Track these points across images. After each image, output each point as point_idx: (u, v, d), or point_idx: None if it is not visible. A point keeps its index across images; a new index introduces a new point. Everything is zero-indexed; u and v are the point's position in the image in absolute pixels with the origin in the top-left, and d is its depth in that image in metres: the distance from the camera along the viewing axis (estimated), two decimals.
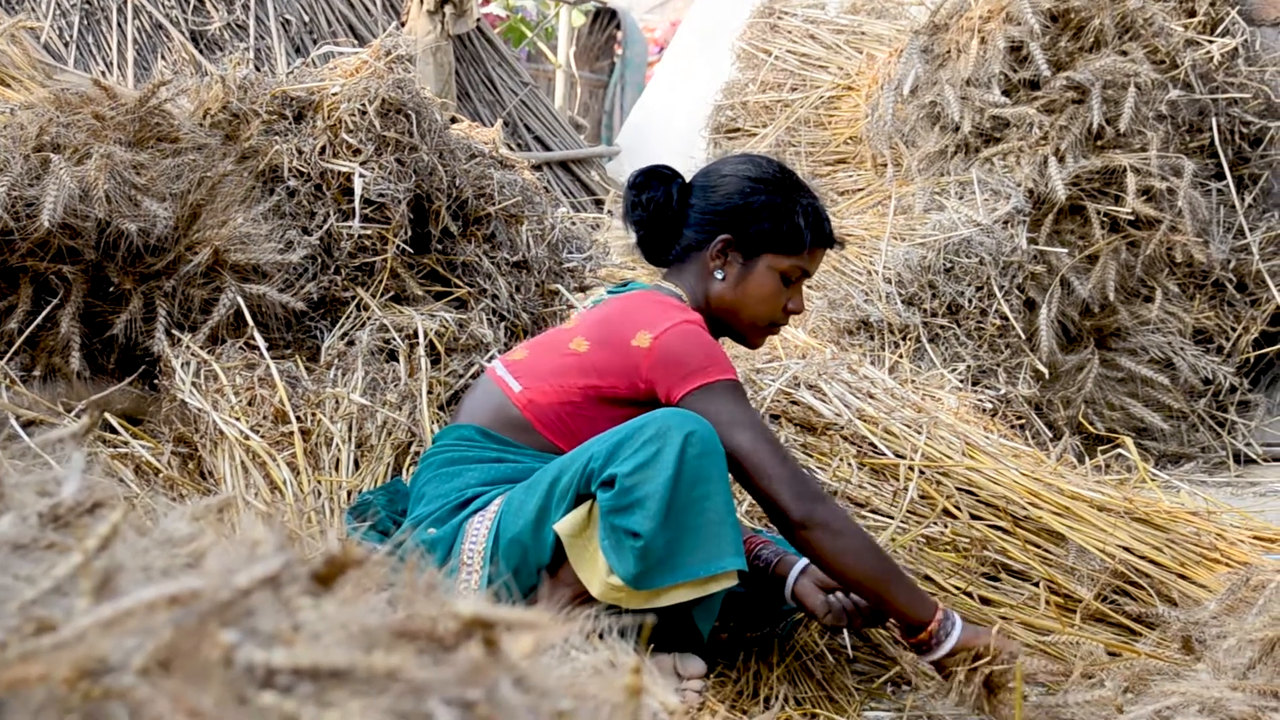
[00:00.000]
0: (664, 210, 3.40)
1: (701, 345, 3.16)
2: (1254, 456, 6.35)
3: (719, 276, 3.36)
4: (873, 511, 3.88)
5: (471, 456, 3.24)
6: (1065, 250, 5.96)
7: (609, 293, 3.52)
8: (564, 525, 2.96)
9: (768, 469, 3.04)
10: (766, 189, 3.37)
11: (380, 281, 4.24)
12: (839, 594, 3.26)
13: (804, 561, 3.32)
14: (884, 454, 4.02)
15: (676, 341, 3.15)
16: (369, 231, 4.22)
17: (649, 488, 2.87)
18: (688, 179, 3.47)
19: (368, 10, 7.79)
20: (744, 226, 3.34)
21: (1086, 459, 4.69)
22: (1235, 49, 6.62)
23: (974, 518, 3.91)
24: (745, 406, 3.11)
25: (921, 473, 3.99)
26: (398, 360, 4.00)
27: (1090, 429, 5.76)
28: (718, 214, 3.36)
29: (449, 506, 3.16)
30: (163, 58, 6.30)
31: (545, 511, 3.00)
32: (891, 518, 3.89)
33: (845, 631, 3.53)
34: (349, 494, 3.60)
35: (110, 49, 6.52)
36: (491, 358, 3.95)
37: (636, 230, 3.47)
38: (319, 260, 4.17)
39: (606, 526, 2.90)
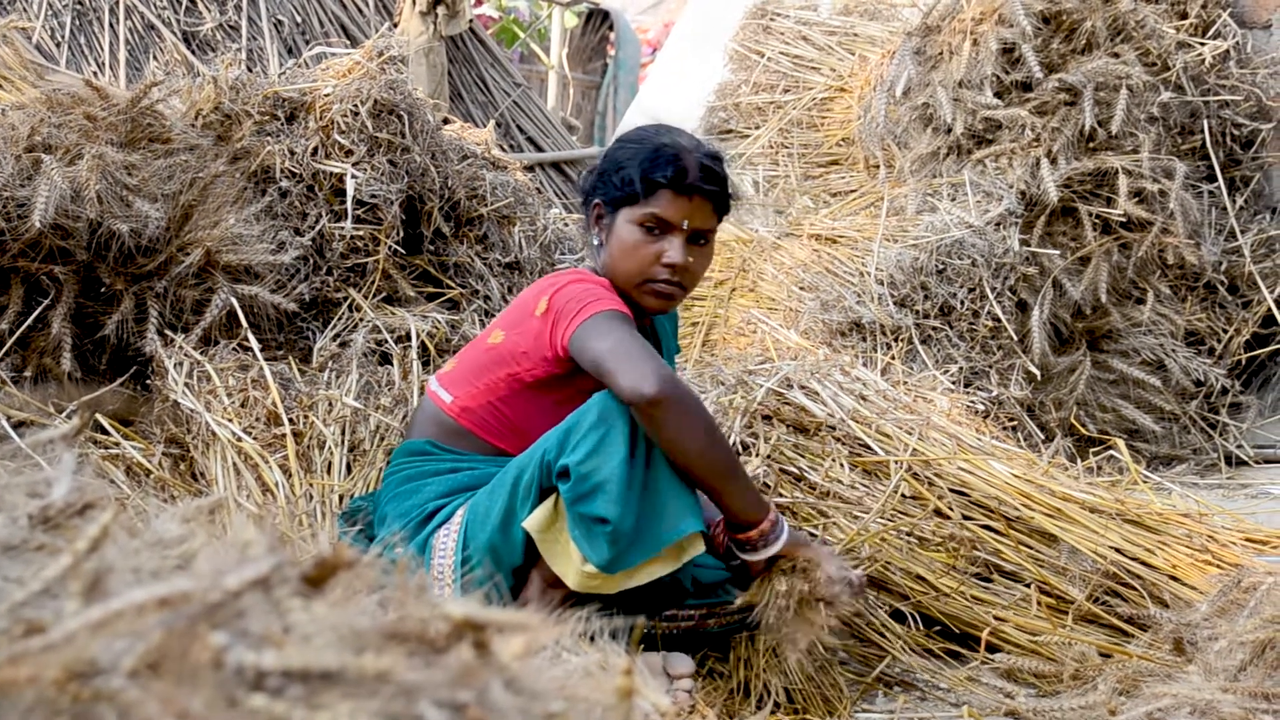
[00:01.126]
0: (583, 194, 3.47)
1: (583, 290, 3.16)
2: (1245, 458, 6.35)
3: (596, 243, 3.38)
4: (864, 512, 3.88)
5: (428, 470, 3.26)
6: (1057, 252, 5.96)
7: None
8: (532, 522, 2.98)
9: (618, 360, 2.98)
10: (620, 147, 3.38)
11: (372, 282, 4.24)
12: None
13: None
14: (877, 454, 4.02)
15: (564, 294, 3.17)
16: (361, 232, 4.22)
17: (605, 472, 2.89)
18: None
19: (360, 11, 7.78)
20: (602, 188, 3.36)
21: (1078, 460, 4.68)
22: (1227, 51, 6.62)
23: (966, 518, 3.91)
24: (615, 323, 3.08)
25: (914, 473, 3.99)
26: (391, 362, 4.00)
27: (1082, 431, 5.76)
28: (592, 183, 3.40)
29: (413, 524, 3.18)
30: (155, 58, 6.29)
31: (511, 512, 3.02)
32: (883, 518, 3.89)
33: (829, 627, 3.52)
34: (341, 498, 3.60)
35: (102, 49, 6.51)
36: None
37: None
38: (311, 261, 4.17)
39: (574, 516, 2.92)
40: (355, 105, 4.26)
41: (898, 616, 3.73)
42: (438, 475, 3.25)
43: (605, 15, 15.37)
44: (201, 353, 3.79)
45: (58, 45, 6.39)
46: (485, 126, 5.34)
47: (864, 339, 5.37)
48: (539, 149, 8.58)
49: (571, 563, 2.95)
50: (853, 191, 6.60)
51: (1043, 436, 5.48)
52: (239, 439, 3.62)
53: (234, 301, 3.85)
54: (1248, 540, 4.02)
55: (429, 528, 3.16)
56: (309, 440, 3.70)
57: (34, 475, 1.35)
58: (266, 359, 3.82)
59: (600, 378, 3.02)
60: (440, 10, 7.87)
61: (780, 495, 3.95)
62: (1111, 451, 4.71)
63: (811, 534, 3.53)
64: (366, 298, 4.20)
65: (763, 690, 3.36)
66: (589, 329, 3.07)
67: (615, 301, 3.15)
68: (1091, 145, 6.05)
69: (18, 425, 3.59)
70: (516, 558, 3.03)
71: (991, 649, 3.66)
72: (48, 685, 1.02)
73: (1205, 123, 6.57)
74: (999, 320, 5.57)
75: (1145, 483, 4.42)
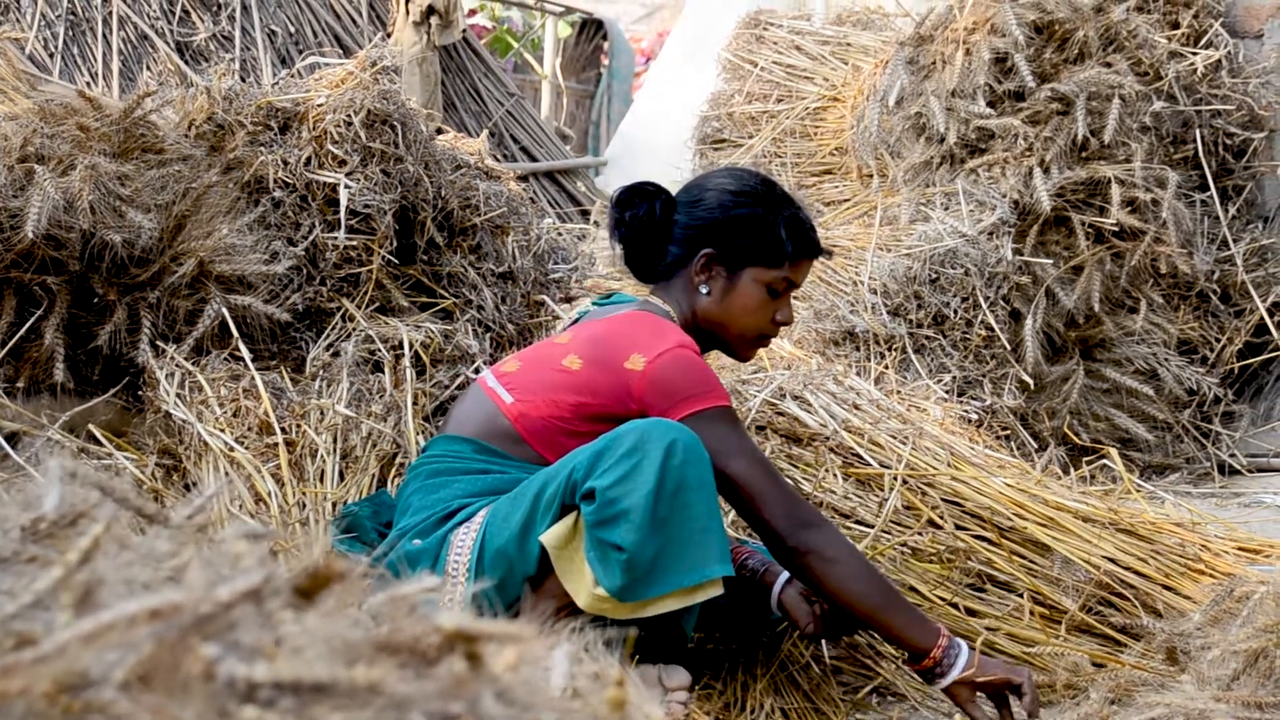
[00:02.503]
0: (648, 226, 3.39)
1: (695, 370, 3.16)
2: (1238, 467, 6.35)
3: (704, 291, 3.35)
4: (857, 522, 3.88)
5: (459, 468, 3.24)
6: (1050, 261, 5.97)
7: (594, 304, 3.52)
8: (550, 537, 2.96)
9: (762, 495, 3.05)
10: (748, 202, 3.36)
11: (365, 292, 4.23)
12: (823, 604, 3.27)
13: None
14: (869, 464, 4.02)
15: (670, 367, 3.15)
16: (354, 242, 4.22)
17: (631, 500, 2.86)
18: (674, 194, 3.47)
19: (353, 21, 7.79)
20: (726, 240, 3.33)
21: (1072, 470, 4.69)
22: (1219, 61, 6.63)
23: (959, 528, 3.92)
24: (740, 432, 3.13)
25: (906, 483, 3.99)
26: (383, 371, 4.00)
27: (1075, 440, 5.77)
28: (700, 228, 3.36)
29: (434, 518, 3.16)
30: (148, 69, 6.29)
31: (531, 523, 3.00)
32: (875, 528, 3.89)
33: (825, 641, 3.53)
34: (334, 506, 3.60)
35: (95, 60, 6.51)
36: (478, 369, 3.94)
37: (623, 247, 3.47)
38: (304, 271, 4.17)
39: (592, 539, 2.90)
40: (348, 115, 4.25)
41: None
42: (468, 474, 3.22)
43: (599, 25, 15.39)
44: (193, 363, 3.79)
45: (51, 56, 6.40)
46: (479, 136, 5.33)
47: (857, 348, 5.38)
48: (533, 159, 8.59)
49: (584, 583, 2.94)
50: (846, 201, 6.61)
51: (1036, 446, 5.49)
52: (231, 449, 3.62)
53: (226, 312, 3.85)
54: (1241, 549, 4.03)
55: (449, 524, 3.14)
56: (301, 449, 3.70)
57: (27, 486, 1.35)
58: (259, 369, 3.82)
59: (729, 494, 3.10)
60: (433, 20, 7.88)
61: None
62: (1105, 460, 4.71)
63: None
64: (360, 308, 4.19)
65: (757, 704, 3.36)
66: (714, 431, 3.08)
67: (723, 391, 3.20)
68: (1084, 154, 6.07)
69: (10, 437, 3.59)
70: (530, 568, 3.02)
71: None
72: (39, 697, 1.01)
73: (1197, 132, 6.58)
74: (992, 329, 5.57)
75: (1138, 492, 4.43)
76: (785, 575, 3.31)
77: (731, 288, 3.34)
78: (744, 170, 3.58)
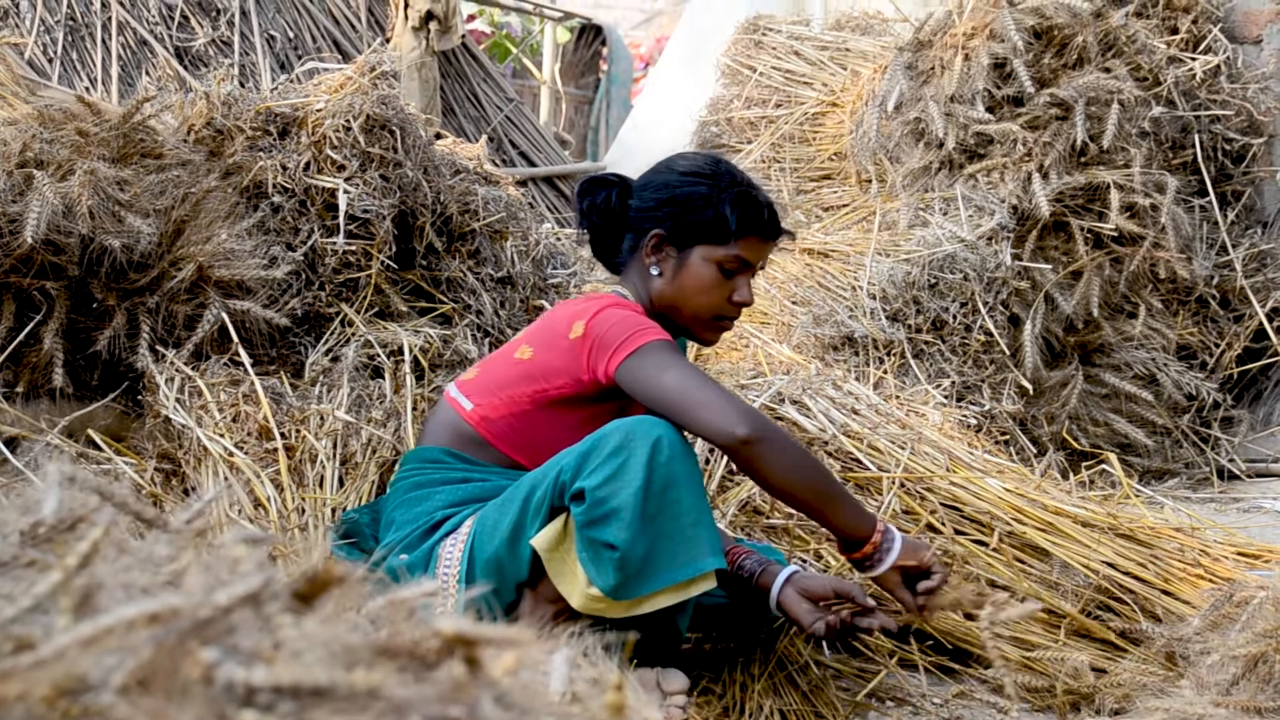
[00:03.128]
0: (606, 215, 3.41)
1: (628, 318, 3.16)
2: (1237, 472, 6.35)
3: (655, 273, 3.35)
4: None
5: (438, 479, 3.25)
6: (1049, 266, 5.96)
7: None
8: (541, 540, 2.97)
9: (696, 398, 3.01)
10: (693, 180, 3.35)
11: (365, 297, 4.24)
12: (824, 605, 3.27)
13: (788, 571, 3.33)
14: (869, 469, 4.02)
15: (603, 321, 3.16)
16: (353, 247, 4.22)
17: (620, 499, 2.87)
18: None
19: (352, 26, 7.79)
20: (673, 220, 3.33)
21: (1071, 475, 4.69)
22: (1218, 66, 6.64)
23: (958, 533, 3.92)
24: (674, 357, 3.10)
25: (905, 488, 3.99)
26: (382, 377, 4.00)
27: (1074, 445, 5.77)
28: (650, 210, 3.36)
29: (419, 531, 3.17)
30: (147, 74, 6.29)
31: (520, 527, 3.01)
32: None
33: (825, 642, 3.53)
34: (333, 511, 3.59)
35: (95, 65, 6.51)
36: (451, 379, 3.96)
37: (589, 237, 3.49)
38: (303, 276, 4.17)
39: (583, 539, 2.91)
40: (347, 120, 4.26)
41: (891, 632, 3.73)
42: (448, 484, 3.23)
43: (598, 30, 15.39)
44: (193, 368, 3.79)
45: (50, 61, 6.40)
46: (477, 141, 5.34)
47: (856, 353, 5.37)
48: (531, 164, 8.59)
49: (577, 584, 2.94)
50: (845, 206, 6.61)
51: (1035, 451, 5.48)
52: (231, 454, 3.61)
53: (225, 316, 3.85)
54: (1240, 554, 4.03)
55: (435, 536, 3.14)
56: (301, 454, 3.70)
57: (26, 490, 1.35)
58: (258, 374, 3.82)
59: (669, 414, 3.03)
60: (433, 26, 7.89)
61: (775, 515, 3.95)
62: (1104, 465, 4.71)
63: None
64: (359, 313, 4.20)
65: (756, 707, 3.36)
66: (647, 360, 3.08)
67: (660, 330, 3.16)
68: (1083, 160, 6.07)
69: (10, 441, 3.59)
70: (522, 573, 3.02)
71: (985, 664, 3.67)
72: (37, 702, 1.01)
73: (1196, 137, 6.59)
74: (991, 334, 5.57)
75: (1137, 497, 4.43)
76: (783, 576, 3.31)
77: (681, 267, 3.33)
78: (696, 152, 3.59)
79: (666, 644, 3.17)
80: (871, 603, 3.28)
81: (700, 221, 3.31)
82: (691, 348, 5.19)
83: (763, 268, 3.43)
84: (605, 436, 2.96)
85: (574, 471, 2.94)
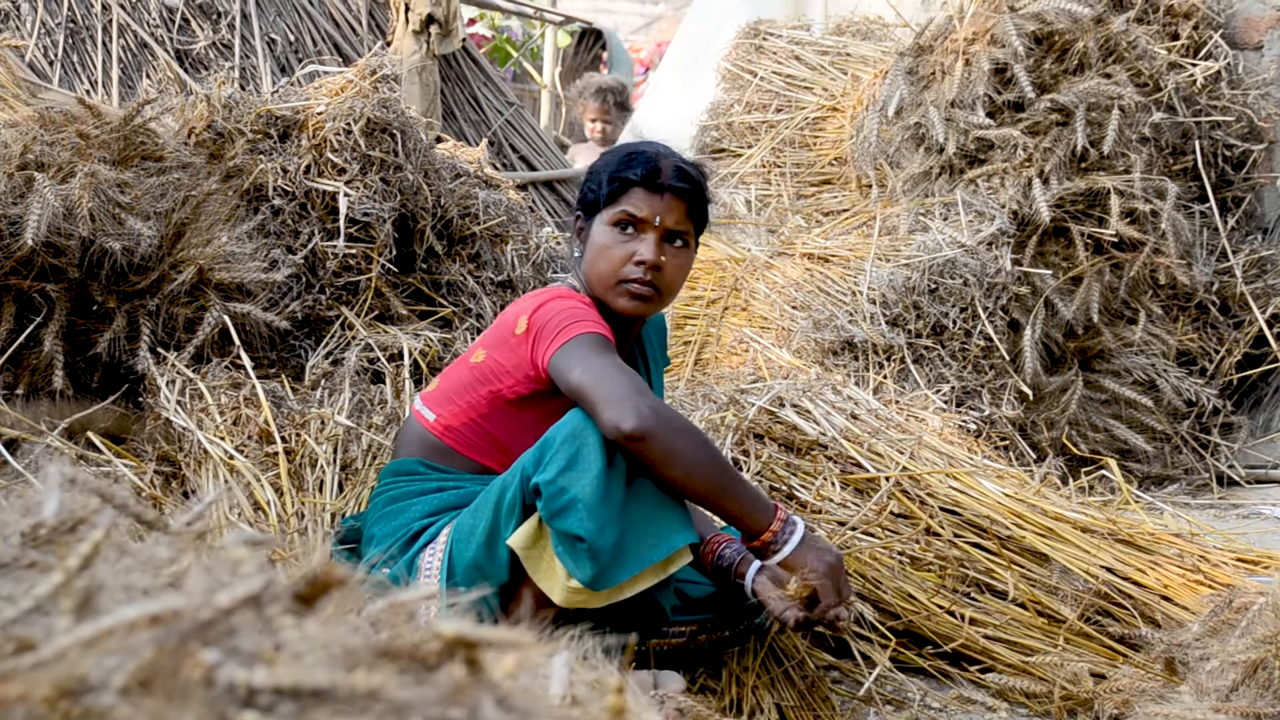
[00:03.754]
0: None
1: (564, 309, 3.16)
2: (1237, 479, 6.35)
3: (577, 255, 3.38)
4: (854, 530, 3.88)
5: (413, 490, 3.26)
6: (1049, 272, 5.97)
7: None
8: (517, 539, 2.98)
9: (596, 393, 2.97)
10: (599, 160, 3.40)
11: (365, 301, 4.24)
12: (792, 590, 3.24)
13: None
14: (868, 472, 4.02)
15: (544, 312, 3.17)
16: (354, 251, 4.22)
17: (576, 489, 2.88)
18: None
19: (353, 30, 7.79)
20: (582, 200, 3.39)
21: (1070, 480, 4.69)
22: (1218, 72, 6.64)
23: (958, 537, 3.91)
24: (592, 350, 3.07)
25: (905, 492, 3.99)
26: (383, 380, 4.00)
27: (1074, 450, 5.77)
28: (579, 202, 3.42)
29: (399, 543, 3.18)
30: (148, 76, 6.29)
31: (496, 530, 3.02)
32: (875, 536, 3.89)
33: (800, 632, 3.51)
34: (333, 517, 3.59)
35: (95, 68, 6.51)
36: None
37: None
38: (304, 279, 4.18)
39: (556, 533, 2.91)
40: (348, 124, 4.26)
41: (890, 635, 3.73)
42: (423, 495, 3.24)
43: (598, 35, 15.38)
44: (194, 370, 3.79)
45: (51, 63, 6.40)
46: (478, 145, 5.34)
47: (856, 358, 5.37)
48: (532, 168, 8.59)
49: (557, 579, 2.95)
50: (845, 211, 6.61)
51: (1034, 456, 5.48)
52: (231, 457, 3.61)
53: (226, 319, 3.85)
54: (1239, 560, 4.03)
55: (414, 548, 3.16)
56: (301, 458, 3.70)
57: (26, 492, 1.35)
58: (259, 377, 3.82)
59: (581, 407, 3.02)
60: (433, 29, 7.88)
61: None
62: (1103, 471, 4.71)
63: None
64: (359, 316, 4.20)
65: (755, 707, 3.36)
66: (569, 353, 3.07)
67: (596, 323, 3.14)
68: (1083, 165, 6.07)
69: (10, 443, 3.59)
70: (503, 575, 3.03)
71: (983, 669, 3.67)
72: (38, 703, 1.01)
73: (1197, 143, 6.58)
74: (991, 340, 5.57)
75: (1137, 502, 4.42)
76: (757, 564, 3.29)
77: (588, 240, 3.35)
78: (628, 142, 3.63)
79: (651, 622, 3.18)
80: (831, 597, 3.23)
81: (592, 191, 3.35)
82: (693, 349, 5.19)
83: (672, 229, 3.32)
84: (558, 427, 2.98)
85: (534, 466, 2.96)
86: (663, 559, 2.96)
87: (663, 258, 3.29)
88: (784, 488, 3.97)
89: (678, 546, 2.97)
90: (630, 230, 3.29)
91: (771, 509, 3.09)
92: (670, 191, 3.31)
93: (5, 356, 3.69)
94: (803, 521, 3.12)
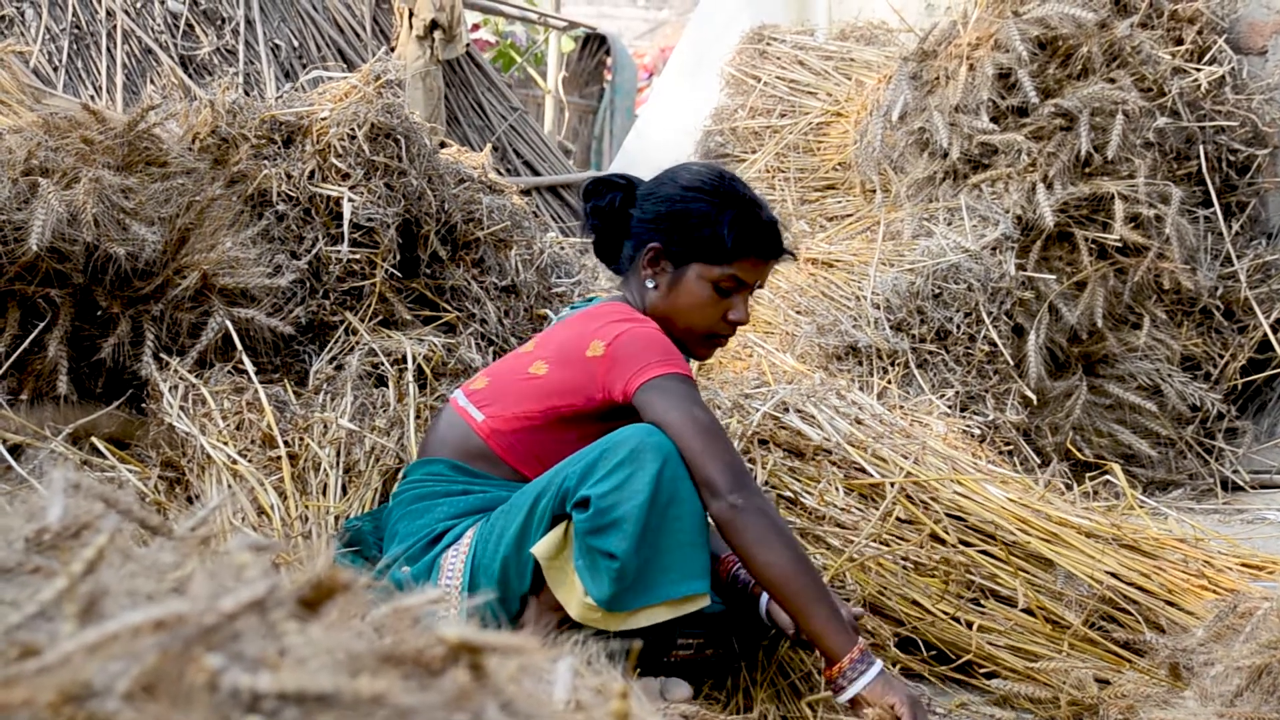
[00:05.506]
0: (608, 217, 3.40)
1: (653, 343, 3.14)
2: (1241, 483, 6.35)
3: (650, 285, 3.32)
4: (859, 536, 3.88)
5: (439, 491, 3.23)
6: (1053, 277, 5.97)
7: (571, 309, 3.52)
8: (541, 548, 2.96)
9: (701, 446, 2.96)
10: (695, 196, 3.31)
11: (369, 306, 4.24)
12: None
13: None
14: (872, 477, 4.02)
15: (628, 343, 3.13)
16: (358, 256, 4.22)
17: (624, 509, 2.87)
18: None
19: (357, 35, 7.79)
20: (671, 234, 3.30)
21: (1075, 485, 4.69)
22: (1222, 77, 6.64)
23: (963, 543, 3.91)
24: (690, 396, 3.05)
25: (909, 497, 3.99)
26: (386, 385, 3.99)
27: (1078, 455, 5.76)
28: (650, 222, 3.33)
29: (421, 543, 3.16)
30: (152, 82, 6.29)
31: (525, 535, 3.00)
32: (879, 542, 3.88)
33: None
34: (336, 520, 3.59)
35: (99, 73, 6.52)
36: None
37: (593, 237, 3.48)
38: (307, 284, 4.17)
39: (582, 547, 2.90)
40: (352, 129, 4.26)
41: (896, 642, 3.73)
42: (449, 496, 3.22)
43: (602, 40, 15.39)
44: (197, 375, 3.79)
45: (55, 69, 6.40)
46: (482, 150, 5.34)
47: (860, 363, 5.37)
48: (536, 173, 8.59)
49: (575, 593, 2.93)
50: (849, 216, 6.61)
51: (1039, 461, 5.48)
52: (234, 462, 3.61)
53: (230, 325, 3.85)
54: (1244, 565, 4.03)
55: (437, 548, 3.14)
56: (304, 462, 3.69)
57: (31, 497, 1.35)
58: (262, 382, 3.82)
59: (680, 446, 2.97)
60: (437, 34, 7.89)
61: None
62: (1108, 476, 4.71)
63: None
64: (363, 321, 4.20)
65: (760, 717, 3.36)
66: (668, 393, 3.04)
67: (682, 362, 3.13)
68: (1087, 170, 6.07)
69: (14, 448, 3.59)
70: (526, 581, 3.01)
71: (988, 675, 3.66)
72: (43, 708, 1.01)
73: (1201, 148, 6.59)
74: (995, 345, 5.57)
75: (1141, 508, 4.42)
76: None
77: (677, 283, 3.30)
78: (705, 164, 3.54)
79: (659, 650, 3.17)
80: (844, 607, 3.24)
81: (697, 239, 3.27)
82: None
83: (761, 286, 3.39)
84: (615, 446, 2.94)
85: (579, 478, 2.93)
86: (680, 597, 2.94)
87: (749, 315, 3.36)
88: (788, 493, 3.97)
89: (690, 593, 2.95)
90: (729, 290, 3.30)
91: (852, 640, 2.95)
92: (775, 259, 3.36)
93: (10, 362, 3.69)
94: (879, 661, 2.96)
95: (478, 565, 3.05)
